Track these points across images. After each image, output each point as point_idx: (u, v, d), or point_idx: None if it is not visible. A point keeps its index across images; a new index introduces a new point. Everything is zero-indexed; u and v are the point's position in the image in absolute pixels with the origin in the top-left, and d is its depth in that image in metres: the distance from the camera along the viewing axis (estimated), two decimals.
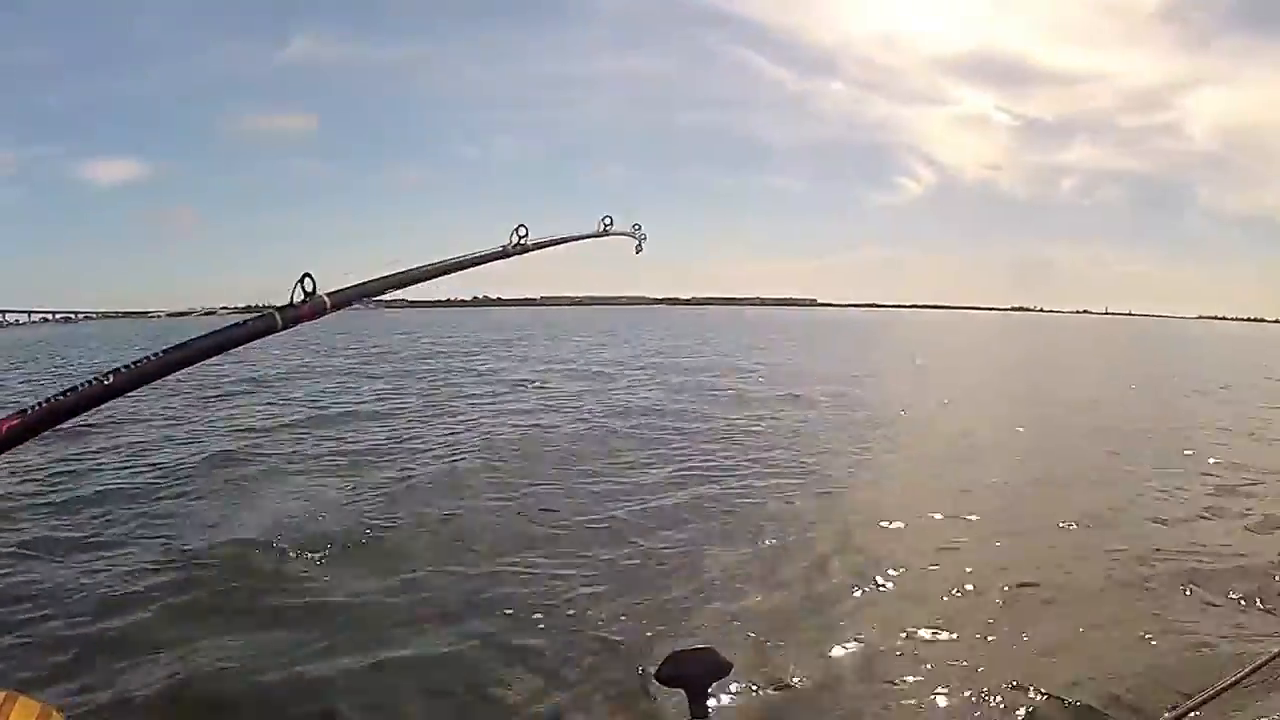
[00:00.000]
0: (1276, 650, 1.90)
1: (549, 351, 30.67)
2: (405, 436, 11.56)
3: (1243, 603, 5.22)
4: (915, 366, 26.37)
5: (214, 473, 9.06)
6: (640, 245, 2.32)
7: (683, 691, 1.13)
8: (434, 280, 1.40)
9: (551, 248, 1.67)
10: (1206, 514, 7.53)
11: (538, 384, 18.71)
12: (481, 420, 13.01)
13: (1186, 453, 10.76)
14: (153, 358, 1.09)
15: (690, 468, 9.49)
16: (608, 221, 1.91)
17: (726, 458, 10.14)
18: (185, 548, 6.25)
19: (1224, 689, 1.72)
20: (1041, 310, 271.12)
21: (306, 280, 1.20)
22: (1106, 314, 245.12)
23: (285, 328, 1.19)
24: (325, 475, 8.96)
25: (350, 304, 1.27)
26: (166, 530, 6.86)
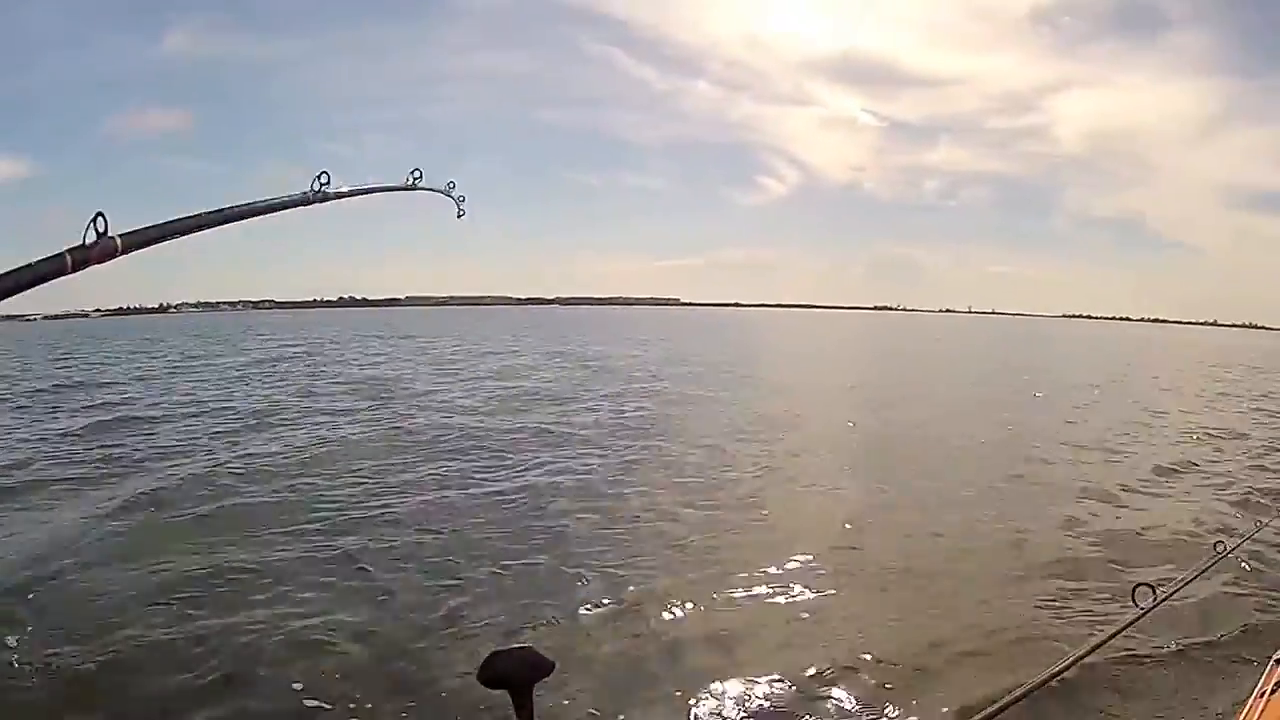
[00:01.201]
0: (1092, 645, 2.00)
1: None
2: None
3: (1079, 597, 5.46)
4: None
5: None
6: (461, 210, 2.30)
7: (505, 693, 1.10)
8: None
9: (355, 197, 1.74)
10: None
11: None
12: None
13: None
14: None
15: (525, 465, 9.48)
16: (416, 175, 1.95)
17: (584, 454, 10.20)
18: None
19: (1044, 681, 1.79)
20: (904, 309, 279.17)
21: (99, 220, 1.21)
22: (970, 313, 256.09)
23: (75, 269, 1.20)
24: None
25: (144, 246, 1.30)
26: None
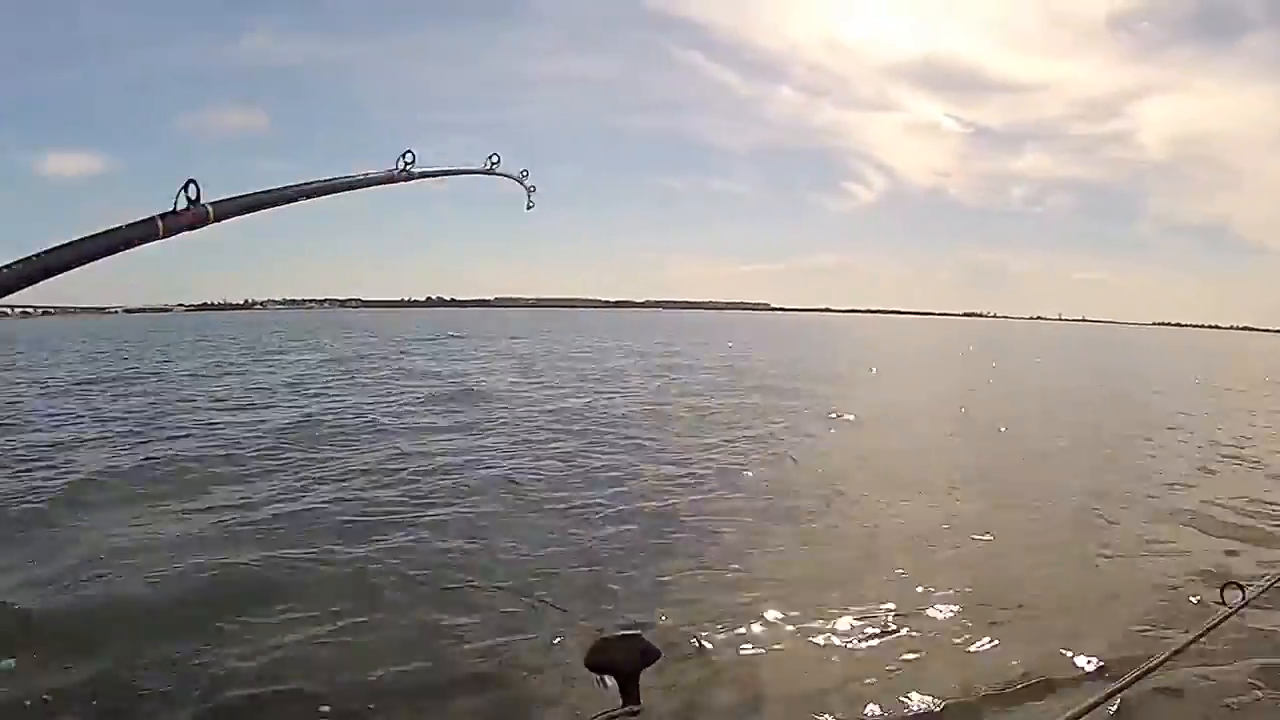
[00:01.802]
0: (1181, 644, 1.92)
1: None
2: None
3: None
4: None
5: None
6: (531, 201, 2.30)
7: (613, 678, 1.11)
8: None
9: (438, 177, 1.73)
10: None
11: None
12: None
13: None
14: (33, 259, 1.09)
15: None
16: (494, 160, 1.95)
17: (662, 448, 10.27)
18: None
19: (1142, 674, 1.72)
20: (995, 316, 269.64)
21: (191, 187, 1.21)
22: (1060, 320, 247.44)
23: (167, 235, 1.19)
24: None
25: (234, 215, 1.28)
26: None
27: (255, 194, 1.33)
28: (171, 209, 1.20)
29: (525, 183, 2.24)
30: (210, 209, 1.24)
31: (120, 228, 1.16)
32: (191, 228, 1.23)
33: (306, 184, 1.40)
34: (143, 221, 1.18)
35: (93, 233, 1.15)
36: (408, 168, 1.57)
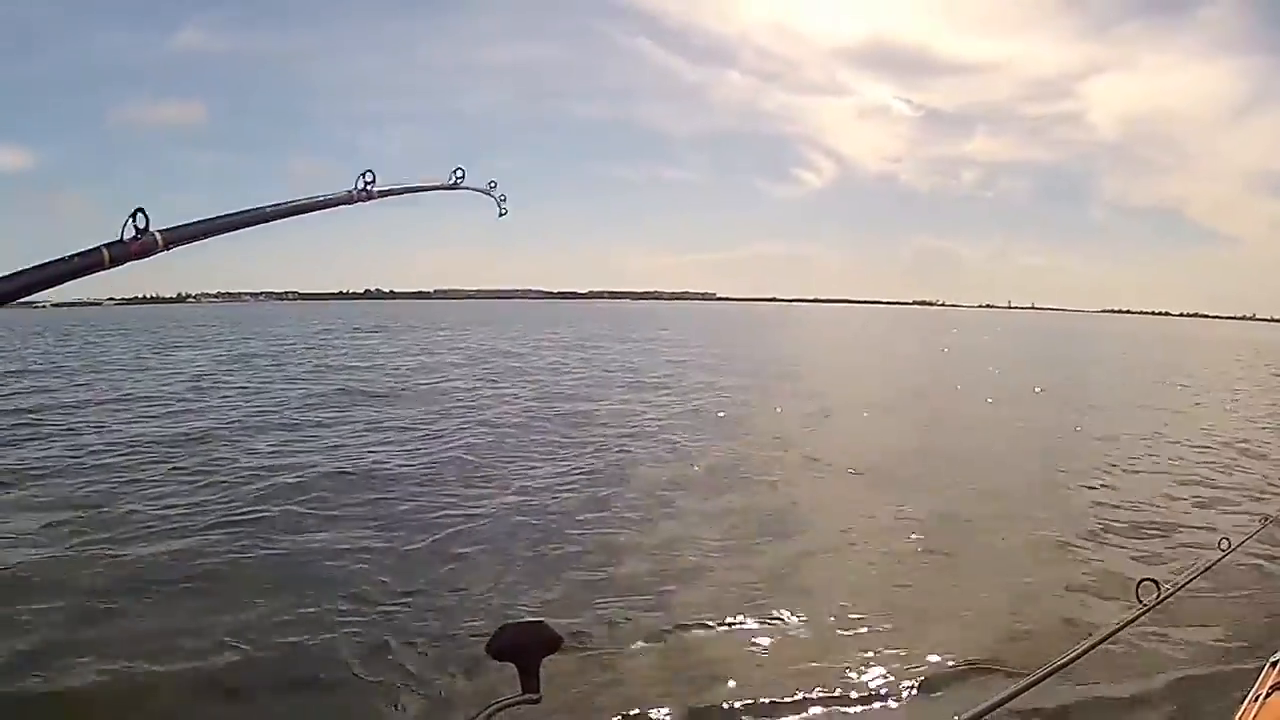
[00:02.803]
0: (1114, 627, 1.96)
1: None
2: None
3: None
4: None
5: None
6: (502, 209, 2.27)
7: (513, 665, 1.10)
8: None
9: (401, 194, 1.69)
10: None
11: None
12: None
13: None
14: None
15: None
16: (459, 175, 1.90)
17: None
18: None
19: (1065, 663, 1.75)
20: (944, 304, 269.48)
21: (139, 216, 1.18)
22: (1010, 307, 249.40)
23: (113, 265, 1.16)
24: None
25: (185, 242, 1.25)
26: None
27: (207, 220, 1.29)
28: (119, 238, 1.17)
29: (494, 194, 2.20)
30: (159, 236, 1.21)
31: (61, 259, 1.13)
32: (139, 257, 1.20)
33: (261, 208, 1.36)
34: (86, 252, 1.15)
35: (35, 264, 1.12)
36: (368, 187, 1.53)
